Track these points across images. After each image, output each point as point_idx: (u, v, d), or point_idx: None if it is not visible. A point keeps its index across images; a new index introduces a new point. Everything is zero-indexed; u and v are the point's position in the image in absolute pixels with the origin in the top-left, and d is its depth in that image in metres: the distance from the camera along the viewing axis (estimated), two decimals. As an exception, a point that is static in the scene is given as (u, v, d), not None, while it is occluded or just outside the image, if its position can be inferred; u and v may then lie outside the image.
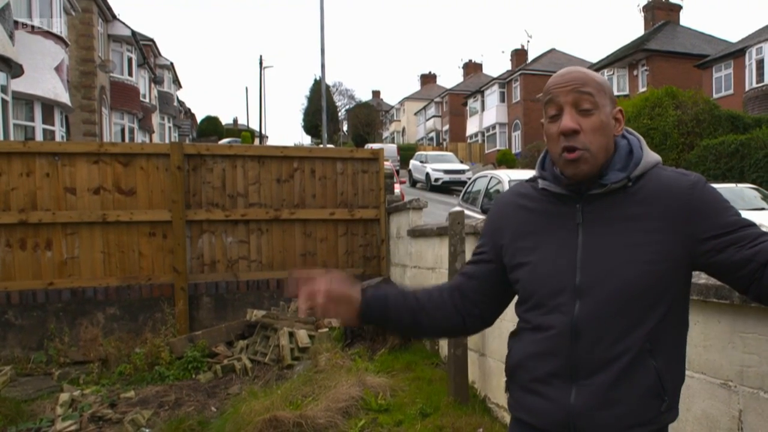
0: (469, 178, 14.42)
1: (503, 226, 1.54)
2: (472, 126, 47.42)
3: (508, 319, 1.63)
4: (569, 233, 1.41)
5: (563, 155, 1.37)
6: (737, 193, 11.61)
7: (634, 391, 1.33)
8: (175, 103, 40.68)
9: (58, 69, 15.20)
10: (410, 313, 1.56)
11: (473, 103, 47.47)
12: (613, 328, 1.33)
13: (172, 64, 37.62)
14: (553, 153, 1.42)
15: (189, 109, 52.96)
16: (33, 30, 14.22)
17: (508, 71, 45.56)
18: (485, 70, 59.08)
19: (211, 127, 55.25)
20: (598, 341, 1.33)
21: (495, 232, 1.56)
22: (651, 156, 1.43)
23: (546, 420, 1.39)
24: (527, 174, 6.16)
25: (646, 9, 33.66)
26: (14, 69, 12.25)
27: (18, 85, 13.04)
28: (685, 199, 1.36)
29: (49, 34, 14.81)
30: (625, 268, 1.33)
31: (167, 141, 33.05)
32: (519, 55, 46.69)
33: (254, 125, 60.32)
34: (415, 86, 72.57)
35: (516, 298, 1.56)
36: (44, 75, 14.48)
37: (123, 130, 25.10)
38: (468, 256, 1.71)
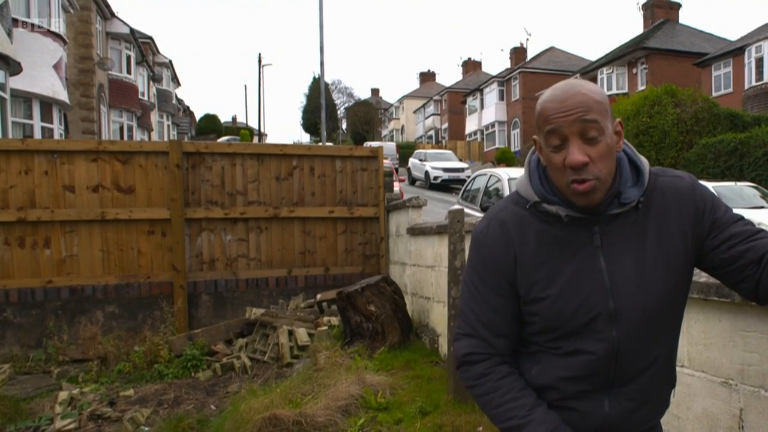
0: (468, 177, 14.41)
1: (506, 260, 1.40)
2: (471, 124, 47.40)
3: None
4: (589, 258, 1.35)
5: (572, 186, 1.30)
6: (736, 191, 11.63)
7: (661, 388, 1.44)
8: (174, 101, 40.64)
9: (56, 67, 15.18)
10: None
11: (472, 101, 47.45)
12: (648, 341, 1.38)
13: (170, 61, 37.59)
14: (559, 183, 1.34)
15: (188, 107, 52.89)
16: (31, 28, 14.20)
17: (507, 69, 45.58)
18: (484, 68, 59.17)
19: (210, 125, 55.18)
20: (636, 357, 1.37)
21: (499, 271, 1.42)
22: (646, 164, 1.40)
23: (581, 430, 1.40)
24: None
25: (646, 7, 33.65)
26: (12, 67, 12.24)
27: (16, 82, 13.02)
28: (691, 202, 1.37)
29: (47, 32, 14.79)
30: (653, 284, 1.34)
31: (166, 139, 33.00)
32: (518, 53, 46.72)
33: (253, 123, 60.38)
34: (414, 84, 72.53)
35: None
36: (43, 73, 14.47)
37: (121, 128, 25.09)
38: (467, 255, 1.62)
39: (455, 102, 52.23)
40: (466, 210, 6.59)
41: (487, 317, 1.44)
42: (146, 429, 4.52)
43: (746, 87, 23.03)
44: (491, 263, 1.43)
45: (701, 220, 1.36)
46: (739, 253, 1.32)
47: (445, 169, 25.26)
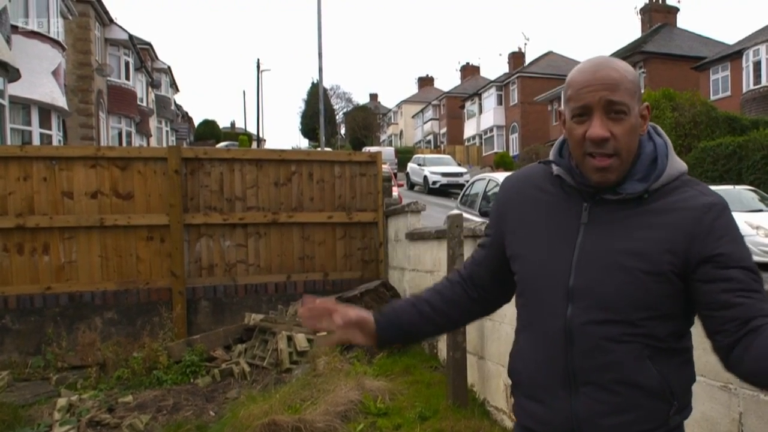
0: (467, 181, 14.41)
1: (507, 212, 1.50)
2: (469, 129, 47.46)
3: (507, 322, 1.64)
4: (569, 232, 1.36)
5: (590, 160, 1.30)
6: (735, 195, 11.61)
7: (638, 396, 1.30)
8: (173, 107, 40.67)
9: (55, 73, 15.19)
10: (426, 321, 1.56)
11: (471, 106, 47.52)
12: (604, 334, 1.29)
13: (169, 67, 37.62)
14: (576, 154, 1.34)
15: (186, 113, 52.91)
16: (30, 34, 14.21)
17: (505, 74, 45.64)
18: (483, 73, 59.16)
19: (209, 130, 55.14)
20: (592, 348, 1.30)
21: (500, 218, 1.52)
22: (675, 167, 1.35)
23: (550, 428, 1.37)
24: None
25: (644, 11, 33.75)
26: (11, 73, 12.24)
27: (15, 89, 13.02)
28: (696, 217, 1.28)
29: (46, 38, 14.80)
30: (619, 276, 1.28)
31: (164, 145, 33.02)
32: (516, 57, 46.77)
33: (252, 129, 60.35)
34: (413, 89, 72.51)
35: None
36: (41, 79, 14.47)
37: (120, 134, 25.10)
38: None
39: (454, 107, 52.31)
40: (465, 215, 6.59)
41: (479, 243, 1.63)
42: (145, 435, 4.51)
43: (744, 90, 23.08)
44: (496, 209, 1.56)
45: (696, 241, 1.26)
46: (730, 303, 1.22)
47: (444, 174, 25.27)
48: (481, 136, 45.18)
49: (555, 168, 1.41)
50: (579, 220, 1.36)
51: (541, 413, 1.38)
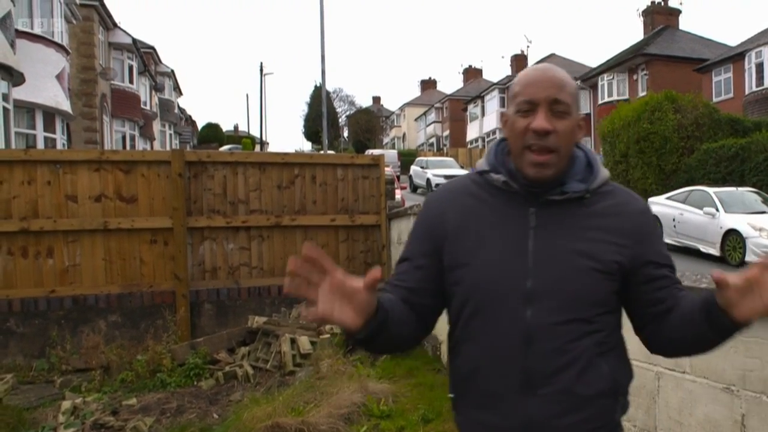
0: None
1: (441, 225, 1.44)
2: (472, 131, 47.45)
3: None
4: (519, 236, 1.37)
5: (528, 155, 1.34)
6: (738, 196, 11.61)
7: (592, 395, 1.33)
8: (176, 111, 40.76)
9: (59, 77, 15.25)
10: (401, 324, 1.38)
11: (473, 109, 47.53)
12: (565, 334, 1.32)
13: (172, 71, 37.73)
14: (515, 147, 1.37)
15: (190, 116, 53.01)
16: (34, 38, 14.26)
17: (508, 76, 45.65)
18: (485, 76, 59.18)
19: (212, 133, 55.32)
20: (550, 349, 1.32)
21: (431, 232, 1.45)
22: (604, 171, 1.45)
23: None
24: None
25: (646, 14, 33.74)
26: (15, 77, 12.30)
27: (19, 93, 13.08)
28: (637, 221, 1.41)
29: (50, 42, 14.86)
30: (577, 276, 1.33)
31: (168, 148, 33.06)
32: (519, 60, 46.80)
33: (255, 132, 60.44)
34: (416, 92, 72.52)
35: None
36: (45, 83, 14.53)
37: (124, 138, 25.17)
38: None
39: (456, 109, 52.29)
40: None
41: (404, 269, 1.48)
42: (149, 438, 4.52)
43: (747, 92, 23.05)
44: (425, 224, 1.50)
45: (642, 243, 1.39)
46: (662, 299, 1.37)
47: (447, 177, 25.18)
48: (483, 139, 45.16)
49: (495, 176, 1.41)
50: (527, 224, 1.38)
51: (493, 422, 1.36)
